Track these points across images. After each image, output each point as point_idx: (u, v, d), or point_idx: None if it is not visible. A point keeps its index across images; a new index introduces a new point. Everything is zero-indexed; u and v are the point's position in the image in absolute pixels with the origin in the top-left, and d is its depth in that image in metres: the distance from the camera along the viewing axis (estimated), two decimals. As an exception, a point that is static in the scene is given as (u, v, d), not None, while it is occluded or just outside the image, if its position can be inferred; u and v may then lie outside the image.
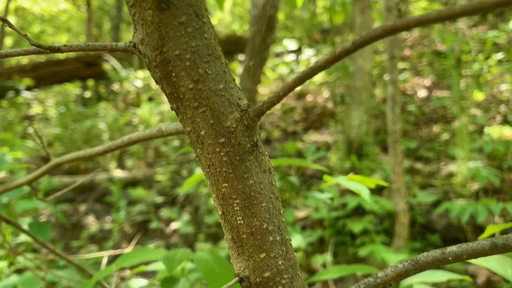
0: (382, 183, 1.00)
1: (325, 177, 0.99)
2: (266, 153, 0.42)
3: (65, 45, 0.38)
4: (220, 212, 0.42)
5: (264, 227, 0.40)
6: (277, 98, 0.35)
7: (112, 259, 4.00)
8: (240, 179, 0.38)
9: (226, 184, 0.39)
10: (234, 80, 0.39)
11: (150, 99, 7.65)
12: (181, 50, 0.35)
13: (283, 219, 0.42)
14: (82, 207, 5.13)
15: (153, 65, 0.37)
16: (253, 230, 0.40)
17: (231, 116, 0.38)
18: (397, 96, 3.13)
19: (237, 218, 0.40)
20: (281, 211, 0.42)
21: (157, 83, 0.38)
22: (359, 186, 0.93)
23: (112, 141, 0.65)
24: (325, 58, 0.31)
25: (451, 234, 3.38)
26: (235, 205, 0.39)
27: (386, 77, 6.20)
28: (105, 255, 1.61)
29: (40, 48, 0.38)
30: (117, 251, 2.20)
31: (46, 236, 1.89)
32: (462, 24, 5.09)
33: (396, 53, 3.12)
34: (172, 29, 0.35)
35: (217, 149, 0.38)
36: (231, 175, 0.38)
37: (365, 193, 0.89)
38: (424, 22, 0.28)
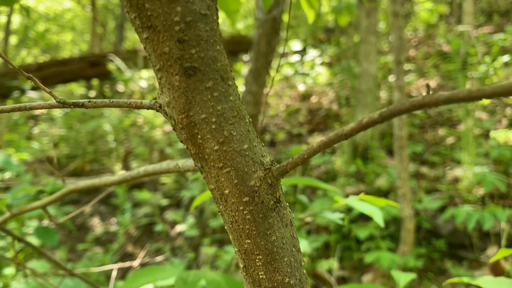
0: (394, 204, 1.00)
1: (336, 198, 0.99)
2: (287, 205, 0.42)
3: (89, 101, 0.38)
4: (241, 266, 0.42)
5: (286, 281, 0.40)
6: (301, 159, 0.36)
7: (119, 260, 4.03)
8: (263, 235, 0.39)
9: (249, 241, 0.39)
10: (257, 136, 0.39)
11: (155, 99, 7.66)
12: (207, 114, 0.36)
13: (304, 271, 0.43)
14: (87, 209, 5.15)
15: (179, 127, 0.37)
16: (275, 284, 0.40)
17: (255, 175, 0.38)
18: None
19: (259, 273, 0.40)
20: (302, 263, 0.42)
21: (182, 142, 0.39)
22: (371, 208, 0.93)
23: (128, 172, 0.66)
24: (351, 126, 0.32)
25: (456, 240, 3.38)
26: (257, 260, 0.40)
27: (391, 79, 6.18)
28: (114, 268, 1.62)
29: (64, 104, 0.38)
30: (126, 264, 2.21)
31: (52, 240, 1.90)
32: (468, 27, 5.07)
33: (402, 59, 3.11)
34: (199, 94, 0.35)
35: (241, 208, 0.38)
36: (254, 232, 0.39)
37: (378, 217, 0.89)
38: (453, 100, 0.28)
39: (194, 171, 0.52)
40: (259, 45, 3.73)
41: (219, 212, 0.41)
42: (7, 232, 0.92)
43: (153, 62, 0.35)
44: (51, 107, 0.37)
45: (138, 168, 0.64)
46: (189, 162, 0.53)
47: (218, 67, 0.35)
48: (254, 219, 0.38)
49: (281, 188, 0.40)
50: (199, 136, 0.36)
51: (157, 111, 0.38)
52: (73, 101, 0.37)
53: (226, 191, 0.38)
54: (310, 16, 1.30)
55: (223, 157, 0.36)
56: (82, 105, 0.38)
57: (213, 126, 0.36)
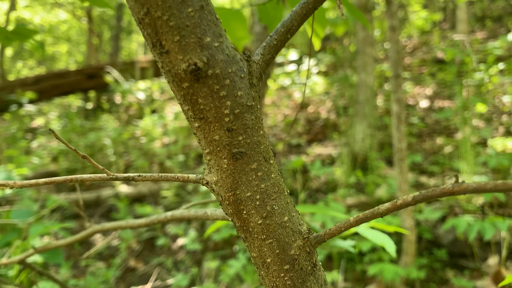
0: (403, 231, 1.03)
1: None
2: (320, 264, 0.45)
3: (139, 175, 0.41)
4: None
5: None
6: (338, 231, 0.39)
7: (121, 275, 4.03)
8: (302, 298, 0.42)
9: (289, 303, 0.42)
10: (294, 206, 0.43)
11: (154, 112, 7.69)
12: (252, 192, 0.39)
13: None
14: (88, 223, 5.14)
15: (225, 203, 0.40)
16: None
17: (294, 245, 0.41)
18: (402, 114, 3.16)
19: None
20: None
21: (227, 215, 0.42)
22: (383, 237, 0.96)
23: (155, 216, 0.69)
24: (386, 206, 0.35)
25: (457, 249, 3.41)
26: (296, 318, 0.43)
27: (387, 87, 6.23)
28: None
29: (117, 178, 0.41)
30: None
31: (58, 258, 1.92)
32: (462, 36, 5.14)
33: (400, 72, 3.16)
34: (245, 174, 0.38)
35: (282, 274, 0.41)
36: (294, 295, 0.42)
37: (390, 247, 0.92)
38: (480, 191, 0.31)
39: (223, 219, 0.55)
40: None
41: (260, 276, 0.44)
42: (32, 267, 0.95)
43: (202, 146, 0.39)
44: (101, 179, 0.40)
45: (166, 213, 0.67)
46: (218, 212, 0.56)
47: (262, 150, 0.38)
48: (294, 284, 0.41)
49: (317, 253, 0.43)
50: (244, 212, 0.39)
51: (203, 185, 0.41)
52: (124, 175, 0.40)
53: (268, 260, 0.41)
54: (316, 44, 1.34)
55: (266, 230, 0.40)
56: (132, 179, 0.41)
57: (257, 203, 0.39)
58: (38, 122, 9.64)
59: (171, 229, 4.41)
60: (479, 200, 3.58)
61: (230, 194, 0.39)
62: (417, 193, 0.34)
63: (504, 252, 3.03)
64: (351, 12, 1.17)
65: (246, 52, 0.38)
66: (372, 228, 1.07)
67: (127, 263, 4.29)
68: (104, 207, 5.18)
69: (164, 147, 6.12)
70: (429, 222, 3.46)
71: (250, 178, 0.38)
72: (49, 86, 9.18)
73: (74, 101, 10.54)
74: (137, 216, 4.73)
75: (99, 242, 4.72)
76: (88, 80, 9.39)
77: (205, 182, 0.41)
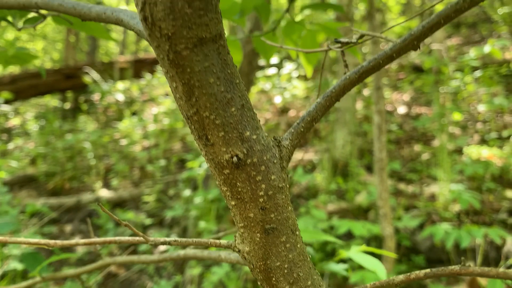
0: (392, 255, 1.09)
1: (340, 251, 1.07)
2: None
3: (175, 240, 0.45)
4: None
5: None
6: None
7: (103, 281, 4.02)
8: None
9: None
10: (315, 269, 0.47)
11: (134, 114, 7.64)
12: (281, 262, 0.43)
13: None
14: (68, 228, 5.10)
15: (256, 271, 0.44)
16: None
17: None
18: (383, 125, 3.25)
19: None
20: None
21: (258, 281, 0.46)
22: (375, 263, 1.01)
23: (168, 253, 0.72)
24: (400, 278, 0.39)
25: (435, 255, 3.52)
26: None
27: (366, 92, 6.34)
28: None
29: (155, 243, 0.45)
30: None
31: (41, 268, 1.92)
32: (440, 45, 5.28)
33: (381, 84, 3.24)
34: (275, 246, 0.42)
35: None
36: None
37: (381, 272, 0.98)
38: (485, 275, 0.36)
39: (237, 263, 0.59)
40: (241, 66, 3.81)
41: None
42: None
43: (237, 221, 0.43)
44: (139, 242, 0.44)
45: (179, 252, 0.71)
46: (232, 256, 0.59)
47: (290, 224, 0.43)
48: None
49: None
50: (273, 279, 0.44)
51: (234, 251, 0.45)
52: (161, 239, 0.44)
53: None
54: (309, 71, 1.39)
55: (292, 296, 0.44)
56: (168, 243, 0.44)
57: (285, 271, 0.43)
58: (14, 122, 9.46)
59: (153, 235, 4.40)
60: (456, 207, 3.70)
61: (261, 263, 0.43)
62: (428, 270, 0.38)
63: (479, 259, 3.15)
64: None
65: (277, 138, 0.42)
66: (364, 252, 1.12)
67: (108, 269, 4.27)
68: (84, 212, 5.13)
69: (144, 151, 6.09)
70: (407, 229, 3.55)
71: (280, 250, 0.42)
72: (26, 86, 9.01)
73: (51, 101, 10.37)
74: (118, 224, 4.70)
75: (79, 247, 4.68)
76: (66, 81, 9.25)
77: (237, 250, 0.45)
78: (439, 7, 4.37)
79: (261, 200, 0.40)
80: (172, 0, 0.34)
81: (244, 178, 0.40)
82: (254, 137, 0.39)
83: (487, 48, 3.76)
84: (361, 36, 0.52)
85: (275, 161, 0.40)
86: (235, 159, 0.38)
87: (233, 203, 0.41)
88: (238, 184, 0.40)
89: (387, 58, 0.40)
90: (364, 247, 1.11)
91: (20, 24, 0.87)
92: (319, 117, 0.42)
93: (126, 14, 0.48)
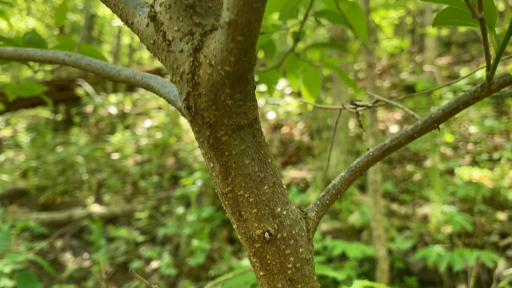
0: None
1: (343, 286, 1.09)
2: None
3: None
4: None
5: None
6: None
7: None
8: None
9: None
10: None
11: (127, 127, 7.62)
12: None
13: None
14: (59, 243, 5.05)
15: None
16: None
17: None
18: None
19: None
20: None
21: None
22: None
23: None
24: None
25: (427, 277, 3.54)
26: None
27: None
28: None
29: None
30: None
31: (33, 285, 1.91)
32: (431, 67, 5.37)
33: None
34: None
35: None
36: None
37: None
38: None
39: None
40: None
41: None
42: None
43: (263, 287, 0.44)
44: None
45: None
46: None
47: (313, 282, 0.44)
48: None
49: None
50: None
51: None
52: None
53: None
54: (310, 101, 1.41)
55: None
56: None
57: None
58: (4, 133, 9.39)
59: (145, 252, 4.38)
60: (448, 229, 3.74)
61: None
62: None
63: (471, 282, 3.17)
64: (345, 80, 1.25)
65: (303, 210, 0.44)
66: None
67: (99, 286, 4.23)
68: (76, 227, 5.09)
69: (137, 166, 6.08)
70: (400, 251, 3.58)
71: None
72: (17, 97, 8.94)
73: (43, 112, 10.32)
74: (110, 239, 4.67)
75: (70, 262, 4.64)
76: (59, 92, 9.22)
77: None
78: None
79: (289, 272, 0.42)
80: (216, 93, 0.36)
81: (274, 251, 0.41)
82: (284, 212, 0.41)
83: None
84: (376, 101, 0.55)
85: (302, 234, 0.42)
86: (266, 234, 0.40)
87: (261, 273, 0.43)
88: (268, 256, 0.42)
89: (409, 137, 0.42)
90: (366, 282, 1.13)
91: (36, 67, 0.89)
92: (343, 190, 0.44)
93: (156, 81, 0.50)
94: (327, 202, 0.43)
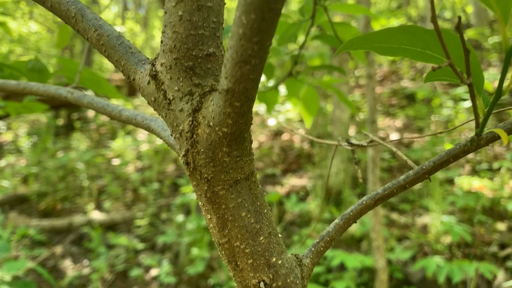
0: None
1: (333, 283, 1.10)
2: None
3: None
4: None
5: None
6: None
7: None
8: None
9: None
10: None
11: (128, 133, 7.64)
12: None
13: None
14: (59, 250, 5.05)
15: None
16: None
17: None
18: (377, 158, 3.30)
19: None
20: None
21: None
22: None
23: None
24: None
25: (426, 287, 3.54)
26: None
27: (359, 117, 6.40)
28: None
29: None
30: None
31: None
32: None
33: (376, 118, 3.30)
34: None
35: None
36: None
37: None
38: None
39: None
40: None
41: None
42: None
43: None
44: None
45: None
46: None
47: None
48: None
49: None
50: None
51: None
52: None
53: None
54: (308, 121, 1.43)
55: None
56: None
57: None
58: (5, 137, 9.41)
59: (145, 260, 4.39)
60: (447, 239, 3.74)
61: None
62: None
63: (470, 293, 3.18)
64: (343, 100, 1.26)
65: (298, 257, 0.45)
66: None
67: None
68: (76, 234, 5.10)
69: (137, 172, 6.09)
70: (400, 261, 3.58)
71: None
72: (19, 102, 8.98)
73: (43, 117, 10.35)
74: (110, 246, 4.68)
75: (69, 269, 4.65)
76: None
77: None
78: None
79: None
80: (214, 151, 0.37)
81: (270, 303, 0.42)
82: (280, 262, 0.42)
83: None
84: (371, 141, 0.56)
85: (297, 281, 0.43)
86: (262, 284, 0.41)
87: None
88: None
89: (401, 187, 0.44)
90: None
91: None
92: (337, 237, 0.45)
93: (157, 124, 0.51)
94: (322, 249, 0.45)
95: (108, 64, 18.62)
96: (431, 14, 0.30)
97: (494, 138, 0.39)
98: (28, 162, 6.84)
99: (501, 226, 3.91)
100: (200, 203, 0.41)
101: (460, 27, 0.32)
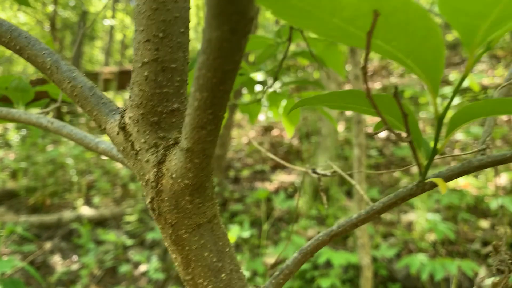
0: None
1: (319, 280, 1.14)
2: None
3: None
4: None
5: None
6: None
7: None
8: None
9: None
10: None
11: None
12: None
13: None
14: (48, 245, 5.07)
15: None
16: None
17: None
18: (363, 158, 3.35)
19: None
20: None
21: None
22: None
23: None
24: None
25: (410, 284, 3.61)
26: None
27: (348, 113, 6.46)
28: None
29: None
30: None
31: None
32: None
33: (362, 119, 3.35)
34: None
35: None
36: None
37: None
38: None
39: None
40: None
41: None
42: None
43: None
44: None
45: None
46: None
47: None
48: None
49: None
50: None
51: None
52: None
53: None
54: (290, 131, 1.46)
55: None
56: None
57: None
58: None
59: (134, 256, 4.42)
60: (432, 236, 3.81)
61: None
62: None
63: (452, 290, 3.26)
64: (323, 113, 1.30)
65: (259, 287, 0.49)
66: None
67: (88, 290, 4.27)
68: (65, 229, 5.12)
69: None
70: (385, 258, 3.65)
71: None
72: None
73: (33, 111, 10.26)
74: (99, 242, 4.71)
75: (59, 264, 4.67)
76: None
77: None
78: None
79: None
80: (177, 199, 0.40)
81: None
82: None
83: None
84: (334, 171, 0.60)
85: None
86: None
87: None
88: None
89: (353, 225, 0.47)
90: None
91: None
92: (296, 270, 0.49)
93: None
94: (281, 281, 0.48)
95: (98, 56, 18.46)
96: (366, 89, 0.33)
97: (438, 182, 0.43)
98: (17, 156, 6.81)
99: (484, 223, 3.99)
100: (166, 243, 0.45)
101: (397, 95, 0.36)
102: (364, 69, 0.32)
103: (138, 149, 0.42)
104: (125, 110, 0.43)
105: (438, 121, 0.38)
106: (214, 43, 0.27)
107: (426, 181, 0.42)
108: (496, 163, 0.42)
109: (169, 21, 0.39)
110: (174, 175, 0.39)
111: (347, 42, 0.33)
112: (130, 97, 0.42)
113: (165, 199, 0.41)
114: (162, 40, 0.39)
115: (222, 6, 0.24)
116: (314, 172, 0.61)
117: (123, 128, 0.42)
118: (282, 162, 0.69)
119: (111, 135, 0.44)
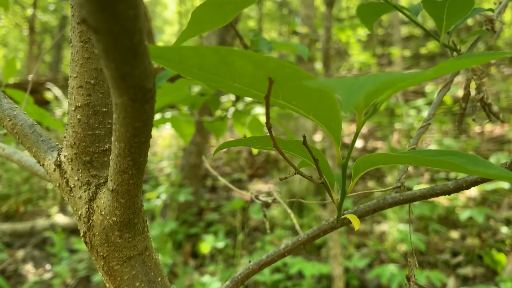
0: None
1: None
2: None
3: None
4: None
5: None
6: None
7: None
8: None
9: None
10: None
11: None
12: None
13: None
14: (20, 254, 5.00)
15: None
16: None
17: None
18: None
19: None
20: None
21: None
22: None
23: None
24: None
25: (381, 294, 3.67)
26: None
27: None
28: None
29: None
30: None
31: None
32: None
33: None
34: None
35: None
36: None
37: None
38: None
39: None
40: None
41: None
42: None
43: None
44: None
45: None
46: None
47: None
48: None
49: None
50: None
51: None
52: None
53: None
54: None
55: None
56: None
57: None
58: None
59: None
60: (403, 247, 3.89)
61: None
62: None
63: (421, 301, 3.31)
64: (283, 128, 1.34)
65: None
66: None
67: (60, 299, 4.22)
68: (39, 238, 5.06)
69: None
70: (357, 268, 3.70)
71: None
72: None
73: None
74: (73, 250, 4.66)
75: (31, 273, 4.61)
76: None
77: None
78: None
79: None
80: (107, 234, 0.43)
81: None
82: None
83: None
84: (274, 199, 0.63)
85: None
86: None
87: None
88: None
89: (280, 255, 0.51)
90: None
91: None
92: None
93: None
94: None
95: (78, 61, 18.26)
96: (273, 142, 0.37)
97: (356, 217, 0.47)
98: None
99: (454, 234, 4.08)
100: (99, 273, 0.47)
101: (305, 143, 0.39)
102: (267, 124, 0.35)
103: (72, 186, 0.45)
104: (61, 148, 0.46)
105: (342, 168, 0.41)
106: (119, 107, 0.30)
107: (342, 216, 0.46)
108: (407, 201, 0.46)
109: (100, 69, 0.42)
110: (103, 212, 0.42)
111: (255, 99, 0.36)
112: (65, 137, 0.44)
113: (96, 233, 0.44)
114: (94, 86, 0.42)
115: (118, 82, 0.27)
116: (257, 198, 0.64)
117: (59, 165, 0.45)
118: (232, 187, 0.72)
119: (49, 171, 0.46)
